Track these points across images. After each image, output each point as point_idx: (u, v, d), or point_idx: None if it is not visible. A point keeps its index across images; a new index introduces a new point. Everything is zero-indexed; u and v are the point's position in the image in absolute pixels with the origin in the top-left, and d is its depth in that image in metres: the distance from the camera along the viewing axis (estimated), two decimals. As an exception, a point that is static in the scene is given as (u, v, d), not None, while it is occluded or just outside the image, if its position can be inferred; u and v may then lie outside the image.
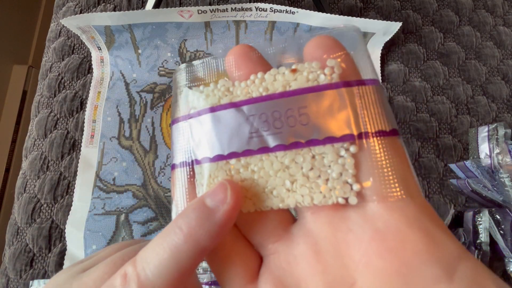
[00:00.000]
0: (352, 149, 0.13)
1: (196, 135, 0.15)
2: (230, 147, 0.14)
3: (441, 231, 0.12)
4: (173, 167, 0.15)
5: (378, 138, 0.13)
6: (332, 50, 0.14)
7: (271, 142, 0.13)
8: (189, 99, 0.15)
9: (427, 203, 0.13)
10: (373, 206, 0.12)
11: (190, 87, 0.15)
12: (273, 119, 0.13)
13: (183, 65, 0.16)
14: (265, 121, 0.13)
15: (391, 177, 0.12)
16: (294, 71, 0.14)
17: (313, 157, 0.13)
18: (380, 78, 0.47)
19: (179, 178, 0.15)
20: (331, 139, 0.13)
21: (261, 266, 0.14)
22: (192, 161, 0.15)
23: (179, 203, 0.15)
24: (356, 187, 0.13)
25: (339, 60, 0.14)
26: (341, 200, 0.13)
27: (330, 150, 0.13)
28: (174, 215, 0.15)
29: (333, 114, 0.13)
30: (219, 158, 0.14)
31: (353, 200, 0.12)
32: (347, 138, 0.13)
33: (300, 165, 0.13)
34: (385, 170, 0.12)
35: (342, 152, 0.13)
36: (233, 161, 0.14)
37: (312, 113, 0.13)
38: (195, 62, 0.16)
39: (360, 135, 0.13)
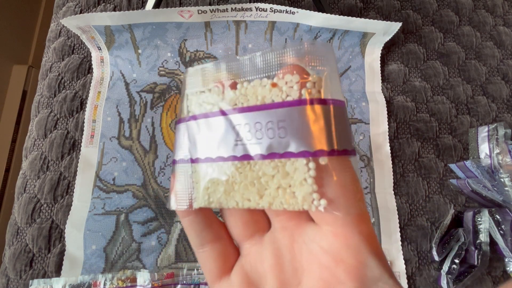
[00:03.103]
0: (323, 161, 0.14)
1: (192, 137, 0.17)
2: (218, 152, 0.16)
3: (374, 257, 0.14)
4: (173, 162, 0.18)
5: (344, 156, 0.14)
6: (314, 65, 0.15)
7: (252, 151, 0.15)
8: (188, 103, 0.17)
9: (371, 229, 0.15)
10: (325, 228, 0.15)
11: (191, 92, 0.17)
12: (255, 130, 0.15)
13: (190, 69, 0.17)
14: (248, 131, 0.15)
15: (352, 195, 0.14)
16: (274, 85, 0.15)
17: (288, 168, 0.15)
18: (380, 79, 0.47)
19: (179, 173, 0.17)
20: (304, 153, 0.14)
21: (237, 261, 0.17)
22: (189, 159, 0.17)
23: (179, 193, 0.17)
24: (323, 201, 0.14)
25: (321, 77, 0.14)
26: (306, 207, 0.14)
27: (303, 163, 0.14)
28: (172, 204, 0.17)
29: (308, 129, 0.14)
30: (209, 160, 0.16)
31: (316, 206, 0.14)
32: (319, 154, 0.14)
33: (275, 174, 0.15)
34: (348, 187, 0.14)
35: (312, 166, 0.14)
36: (227, 164, 0.16)
37: (290, 127, 0.14)
38: (200, 67, 0.17)
39: (331, 152, 0.14)
